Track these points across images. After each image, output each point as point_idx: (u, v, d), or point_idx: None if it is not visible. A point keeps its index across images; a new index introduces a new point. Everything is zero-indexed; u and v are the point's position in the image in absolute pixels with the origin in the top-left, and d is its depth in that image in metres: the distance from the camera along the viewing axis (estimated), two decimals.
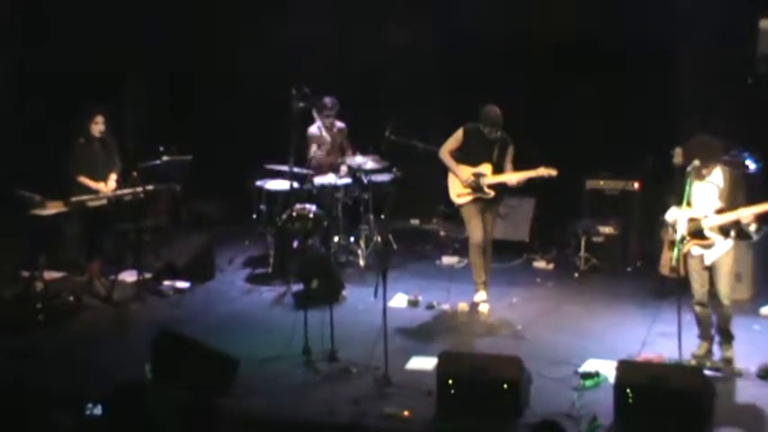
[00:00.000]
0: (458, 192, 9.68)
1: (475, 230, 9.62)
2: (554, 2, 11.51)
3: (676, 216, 7.98)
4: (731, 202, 7.86)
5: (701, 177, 7.91)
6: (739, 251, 9.58)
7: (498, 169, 9.58)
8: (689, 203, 7.92)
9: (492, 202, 9.66)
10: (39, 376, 7.63)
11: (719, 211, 7.88)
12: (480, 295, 9.71)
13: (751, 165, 10.28)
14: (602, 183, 11.29)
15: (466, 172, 9.60)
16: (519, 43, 11.63)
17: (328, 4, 12.21)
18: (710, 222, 7.90)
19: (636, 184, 11.10)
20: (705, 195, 7.93)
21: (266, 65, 12.05)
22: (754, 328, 9.15)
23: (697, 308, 8.15)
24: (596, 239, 11.15)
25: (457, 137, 9.68)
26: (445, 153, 9.71)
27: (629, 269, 10.98)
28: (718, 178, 7.91)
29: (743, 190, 7.94)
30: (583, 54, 11.40)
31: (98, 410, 6.07)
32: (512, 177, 9.50)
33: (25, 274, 9.77)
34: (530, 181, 9.59)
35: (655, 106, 11.17)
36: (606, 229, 11.15)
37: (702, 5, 10.74)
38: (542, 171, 9.43)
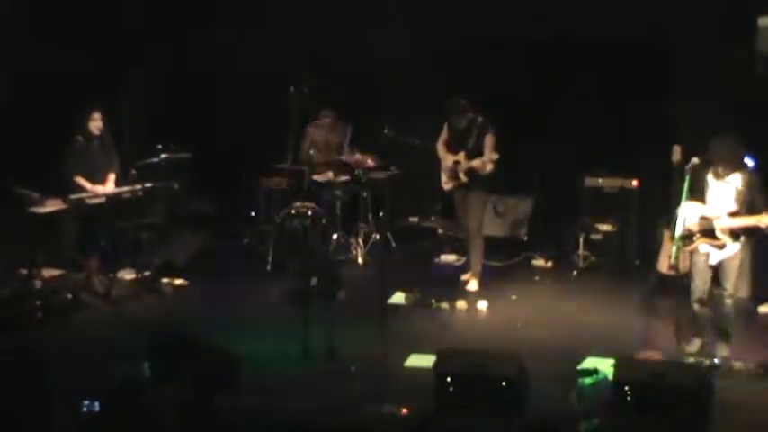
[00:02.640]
0: (444, 180, 10.24)
1: (461, 221, 10.37)
2: (554, 1, 11.51)
3: (690, 211, 7.95)
4: (749, 206, 7.83)
5: (718, 177, 7.88)
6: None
7: (474, 157, 9.92)
8: (703, 201, 7.91)
9: (469, 189, 10.05)
10: (37, 374, 7.61)
11: (733, 214, 7.85)
12: (467, 275, 10.29)
13: (749, 163, 10.26)
14: (600, 181, 11.28)
15: (449, 160, 10.10)
16: (518, 42, 11.62)
17: (328, 4, 12.20)
18: (723, 224, 7.87)
19: (634, 182, 11.10)
20: (722, 196, 7.91)
21: (265, 63, 12.04)
22: (753, 326, 9.16)
23: (696, 305, 8.15)
24: (595, 237, 11.16)
25: (445, 129, 10.25)
26: (438, 145, 10.27)
27: (627, 267, 10.97)
28: (736, 180, 7.88)
29: (762, 194, 7.91)
30: (582, 52, 11.41)
31: (95, 407, 6.06)
32: (473, 163, 9.90)
33: (23, 271, 9.76)
34: (498, 165, 9.89)
35: (653, 104, 11.17)
36: (605, 227, 11.16)
37: (702, 3, 10.74)
38: (490, 155, 9.83)
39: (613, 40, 11.25)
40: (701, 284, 8.07)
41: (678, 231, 7.89)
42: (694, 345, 8.23)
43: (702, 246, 7.98)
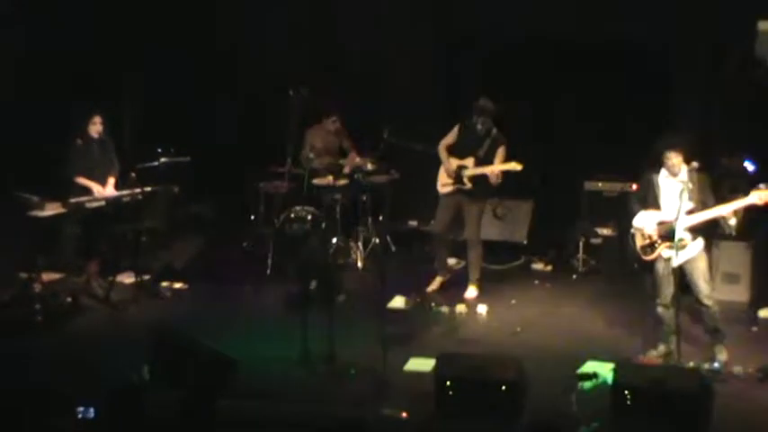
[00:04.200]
0: (442, 182, 10.12)
1: (437, 222, 10.21)
2: (554, 2, 11.51)
3: (646, 220, 8.00)
4: (702, 203, 7.87)
5: (672, 174, 7.93)
6: (737, 253, 9.64)
7: (483, 164, 9.86)
8: (658, 207, 7.95)
9: (472, 195, 9.96)
10: (37, 378, 7.62)
11: (690, 212, 7.87)
12: (436, 282, 10.30)
13: (749, 166, 10.28)
14: (600, 184, 11.29)
15: (452, 164, 9.98)
16: (519, 44, 11.62)
17: (328, 5, 12.21)
18: (682, 224, 7.88)
19: (634, 186, 11.08)
20: (676, 196, 7.91)
21: (265, 65, 12.05)
22: (753, 330, 9.16)
23: (660, 309, 8.14)
24: (594, 241, 11.17)
25: (453, 132, 10.12)
26: (441, 146, 10.15)
27: (627, 271, 10.93)
28: (685, 179, 7.90)
29: (710, 191, 7.97)
30: (582, 55, 11.42)
31: (89, 414, 6.06)
32: (486, 169, 9.80)
33: (23, 275, 9.75)
34: (505, 175, 9.79)
35: (654, 107, 11.17)
36: (604, 231, 11.17)
37: (702, 7, 10.75)
38: (511, 165, 9.70)
39: (614, 42, 11.27)
40: (665, 289, 8.03)
41: (678, 234, 7.87)
42: (658, 350, 8.21)
43: (665, 251, 7.97)
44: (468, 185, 9.92)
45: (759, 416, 7.33)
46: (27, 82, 11.31)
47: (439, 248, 10.40)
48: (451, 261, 11.28)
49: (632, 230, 8.23)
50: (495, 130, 9.88)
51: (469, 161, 9.92)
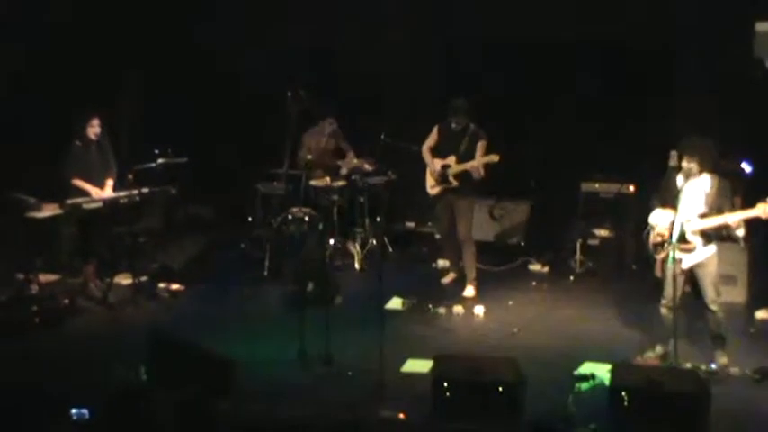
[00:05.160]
0: (431, 184, 10.28)
1: (440, 227, 10.67)
2: (554, 1, 11.52)
3: (661, 218, 8.00)
4: (716, 209, 7.86)
5: (687, 177, 7.91)
6: (734, 254, 9.64)
7: (465, 161, 9.98)
8: (675, 207, 7.93)
9: (459, 192, 10.09)
10: (34, 379, 7.61)
11: (703, 216, 7.87)
12: (449, 276, 10.63)
13: (746, 168, 10.29)
14: (597, 186, 11.29)
15: (436, 164, 10.15)
16: (518, 44, 11.63)
17: (327, 7, 12.21)
18: (693, 226, 7.88)
19: (631, 187, 11.10)
20: (691, 199, 7.91)
21: (264, 67, 12.05)
22: (750, 331, 9.17)
23: (663, 310, 8.12)
24: (592, 242, 11.17)
25: (432, 134, 10.28)
26: (424, 149, 10.33)
27: (624, 272, 10.97)
28: (705, 183, 7.89)
29: (728, 197, 7.94)
30: (580, 56, 11.42)
31: (84, 415, 6.06)
32: (467, 165, 9.94)
33: (20, 276, 9.75)
34: (493, 171, 9.96)
35: (651, 108, 11.18)
36: (601, 232, 11.17)
37: (701, 7, 10.76)
38: (490, 158, 9.88)
39: (613, 43, 11.28)
40: (671, 291, 7.99)
41: (675, 236, 7.87)
42: (655, 350, 8.22)
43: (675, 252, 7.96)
44: (455, 183, 10.04)
45: (756, 418, 7.33)
46: (27, 82, 11.30)
47: (449, 249, 10.59)
48: (448, 262, 11.30)
49: (648, 227, 8.21)
50: (472, 126, 10.00)
51: (451, 159, 10.04)
